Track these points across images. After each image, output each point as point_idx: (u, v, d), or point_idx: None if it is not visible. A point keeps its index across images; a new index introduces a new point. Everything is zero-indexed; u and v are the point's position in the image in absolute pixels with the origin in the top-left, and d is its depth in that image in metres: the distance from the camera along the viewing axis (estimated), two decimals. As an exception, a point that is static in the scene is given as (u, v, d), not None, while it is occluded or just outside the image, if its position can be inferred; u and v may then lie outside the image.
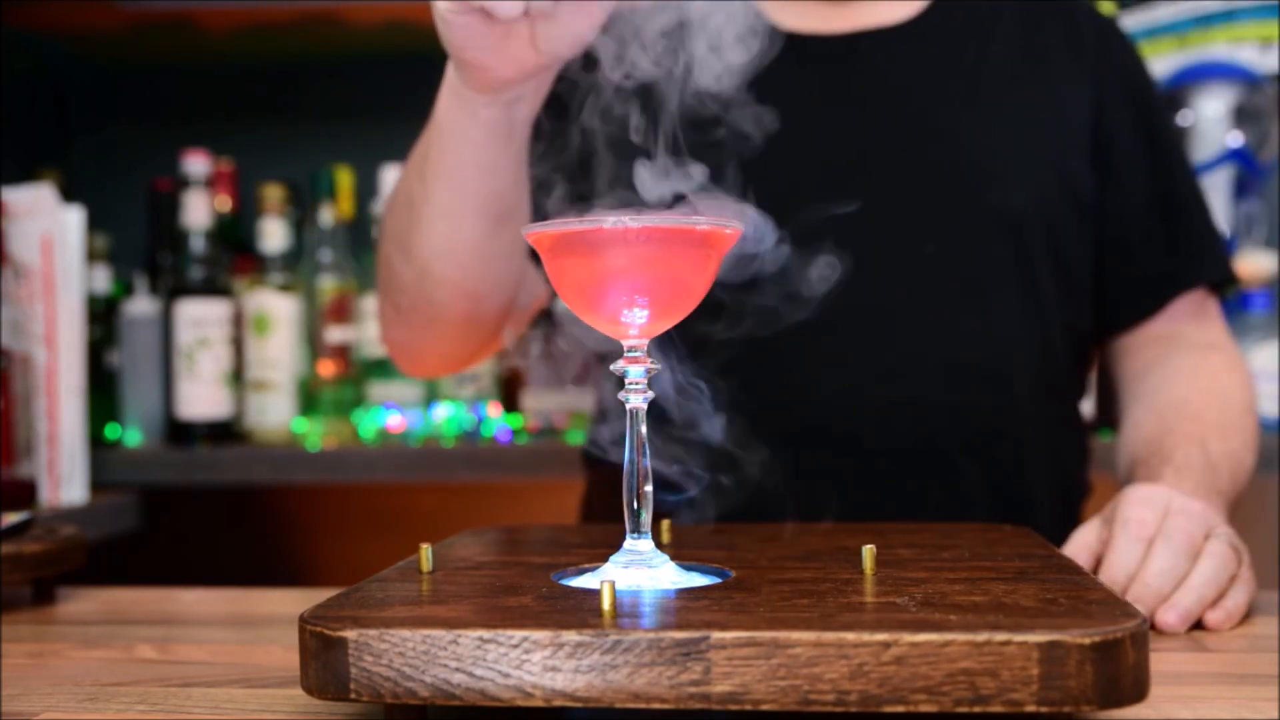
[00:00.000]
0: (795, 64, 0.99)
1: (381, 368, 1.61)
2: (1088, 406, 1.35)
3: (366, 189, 1.73)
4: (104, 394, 1.61)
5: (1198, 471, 0.86)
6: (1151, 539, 0.73)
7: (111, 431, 1.63)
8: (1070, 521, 0.97)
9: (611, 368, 0.60)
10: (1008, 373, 0.95)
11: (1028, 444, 0.96)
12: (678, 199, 0.68)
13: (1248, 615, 0.73)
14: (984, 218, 0.96)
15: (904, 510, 0.91)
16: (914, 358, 0.94)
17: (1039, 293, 0.97)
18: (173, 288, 1.57)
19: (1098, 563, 0.76)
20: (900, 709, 0.46)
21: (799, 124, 0.97)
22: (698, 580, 0.58)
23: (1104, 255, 1.00)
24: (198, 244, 1.55)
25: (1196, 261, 1.01)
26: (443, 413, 1.58)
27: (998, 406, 0.95)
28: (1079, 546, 0.78)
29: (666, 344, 0.67)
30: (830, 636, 0.47)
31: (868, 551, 0.59)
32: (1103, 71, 1.01)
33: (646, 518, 0.59)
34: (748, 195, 0.70)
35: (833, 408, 0.93)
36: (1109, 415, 1.29)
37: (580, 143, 0.77)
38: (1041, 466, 0.96)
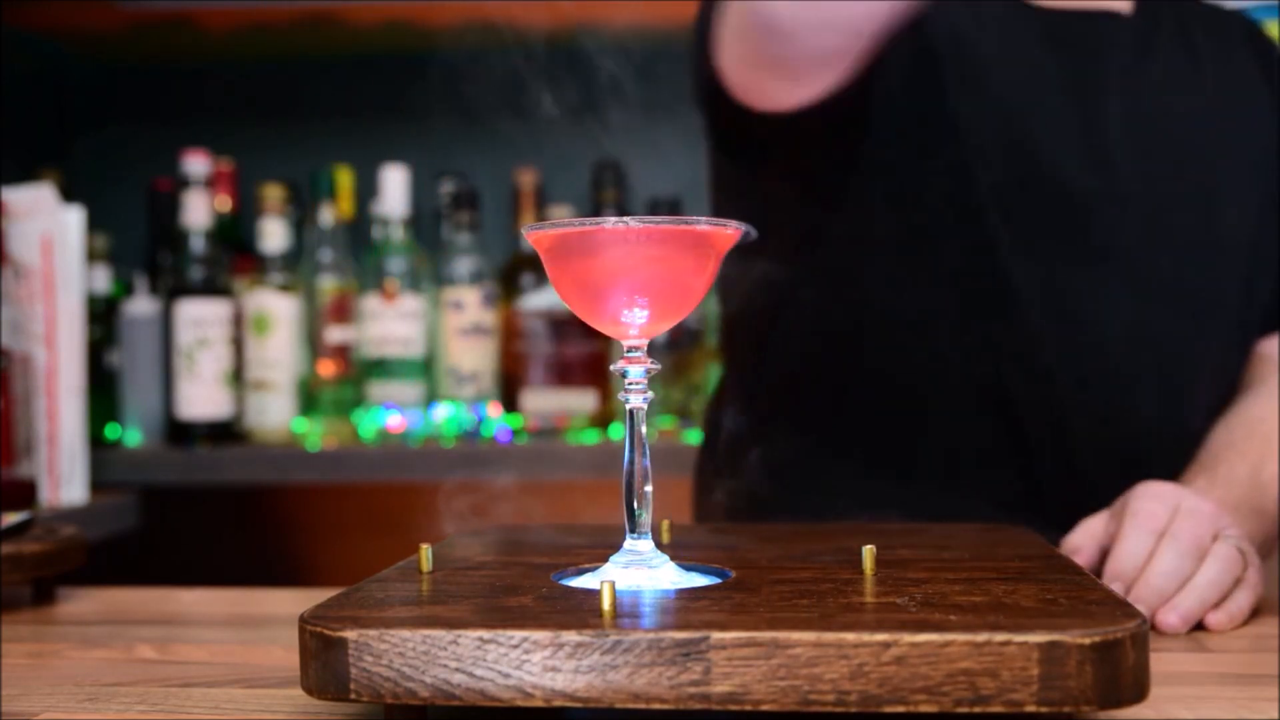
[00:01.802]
0: (1041, 38, 0.96)
1: (381, 367, 1.61)
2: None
3: (366, 189, 1.73)
4: (104, 394, 1.61)
5: (1237, 486, 0.85)
6: (1161, 533, 0.73)
7: (111, 431, 1.63)
8: None
9: (611, 368, 0.60)
10: (1194, 393, 0.94)
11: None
12: None
13: (1249, 616, 0.73)
14: (1213, 240, 0.95)
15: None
16: (1127, 372, 0.93)
17: (1244, 312, 0.96)
18: (173, 288, 1.57)
19: (1102, 554, 0.76)
20: (900, 709, 0.46)
21: (1042, 101, 0.95)
22: (698, 580, 0.58)
23: None
24: (198, 244, 1.55)
25: None
26: (443, 412, 1.59)
27: (1182, 425, 0.94)
28: (1085, 535, 0.78)
29: None
30: (830, 637, 0.47)
31: (868, 551, 0.59)
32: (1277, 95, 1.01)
33: (646, 518, 0.59)
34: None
35: (1034, 400, 0.92)
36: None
37: None
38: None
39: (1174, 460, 0.90)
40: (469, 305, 1.60)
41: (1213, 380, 0.96)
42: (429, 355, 1.63)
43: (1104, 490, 0.83)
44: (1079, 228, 0.93)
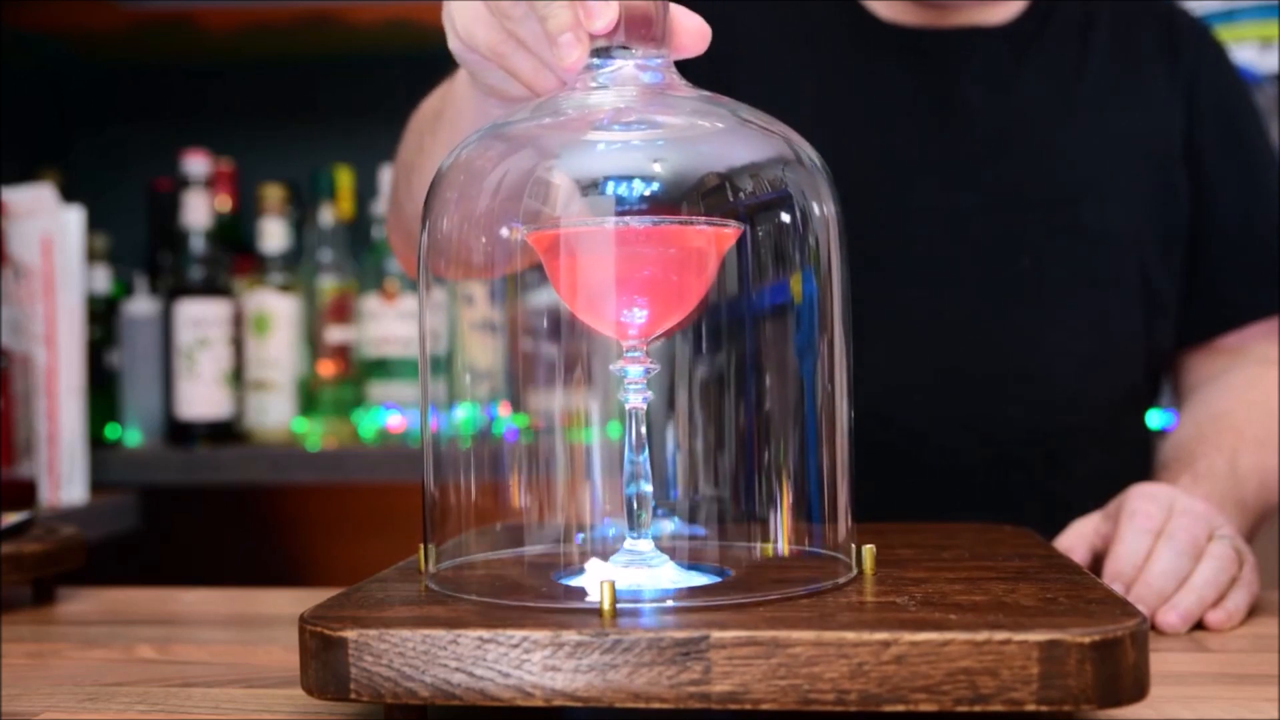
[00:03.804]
0: (893, 59, 0.98)
1: (381, 367, 1.61)
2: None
3: (366, 189, 1.73)
4: (104, 394, 1.61)
5: (1219, 481, 0.86)
6: (1158, 533, 0.73)
7: (111, 431, 1.63)
8: None
9: (611, 368, 0.60)
10: (1083, 389, 0.95)
11: (1092, 461, 0.96)
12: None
13: (1248, 615, 0.73)
14: (1079, 234, 0.95)
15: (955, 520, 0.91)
16: (990, 370, 0.94)
17: (1127, 313, 0.96)
18: (173, 288, 1.57)
19: (1094, 556, 0.77)
20: (900, 708, 0.46)
21: (895, 122, 0.97)
22: (698, 580, 0.58)
23: (1185, 272, 1.00)
24: (198, 244, 1.55)
25: (1277, 290, 1.00)
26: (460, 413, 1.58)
27: (1070, 424, 0.95)
28: (1076, 537, 0.78)
29: None
30: (830, 636, 0.47)
31: (868, 551, 0.59)
32: (1197, 80, 1.00)
33: (647, 518, 0.59)
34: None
35: (903, 414, 0.93)
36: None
37: None
38: (1104, 483, 0.95)
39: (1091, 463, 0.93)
40: (478, 301, 1.60)
41: (1116, 372, 0.97)
42: (447, 351, 1.63)
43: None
44: (939, 243, 0.95)
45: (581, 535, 0.64)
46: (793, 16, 1.01)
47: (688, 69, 0.62)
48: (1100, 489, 0.95)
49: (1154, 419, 1.06)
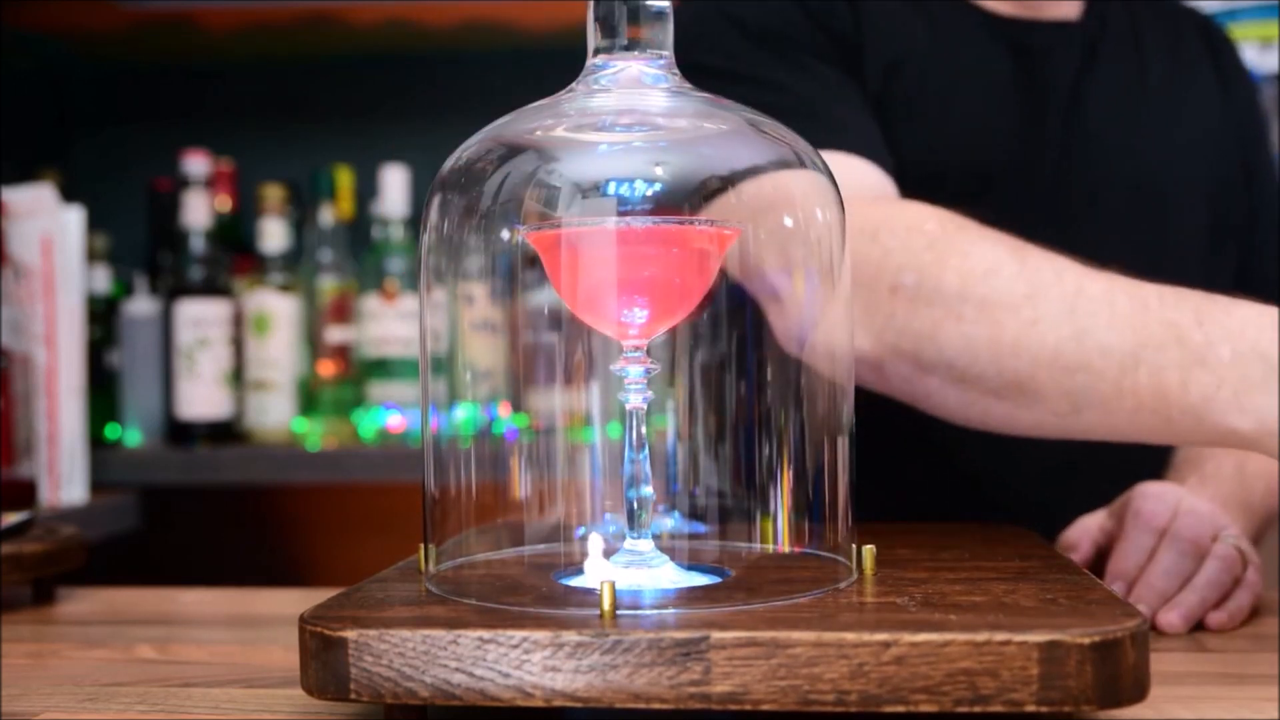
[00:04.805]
0: (996, 45, 0.95)
1: (381, 367, 1.61)
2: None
3: (366, 189, 1.73)
4: (104, 394, 1.61)
5: (1226, 482, 0.85)
6: (1162, 532, 0.73)
7: (111, 431, 1.63)
8: None
9: (612, 368, 0.60)
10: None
11: (1103, 460, 0.95)
12: None
13: (1249, 615, 0.73)
14: (1149, 237, 0.95)
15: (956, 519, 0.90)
16: None
17: None
18: (173, 288, 1.57)
19: (1098, 552, 0.77)
20: (900, 709, 0.46)
21: (992, 111, 0.94)
22: (698, 580, 0.58)
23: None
24: (198, 244, 1.55)
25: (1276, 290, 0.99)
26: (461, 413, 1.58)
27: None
28: (1080, 532, 0.78)
29: None
30: (830, 636, 0.47)
31: (868, 551, 0.59)
32: (1230, 82, 1.00)
33: (647, 518, 0.59)
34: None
35: (903, 411, 0.93)
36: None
37: None
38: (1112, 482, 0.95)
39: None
40: (478, 301, 1.60)
41: None
42: (448, 351, 1.63)
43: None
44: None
45: (582, 529, 0.64)
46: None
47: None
48: (1107, 487, 0.95)
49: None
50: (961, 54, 0.95)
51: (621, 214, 0.57)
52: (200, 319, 1.55)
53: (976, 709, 0.46)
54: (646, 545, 0.59)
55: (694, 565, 0.61)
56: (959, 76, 0.94)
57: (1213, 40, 1.02)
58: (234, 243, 1.71)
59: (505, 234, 0.61)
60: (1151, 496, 0.76)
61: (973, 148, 0.93)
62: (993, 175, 0.93)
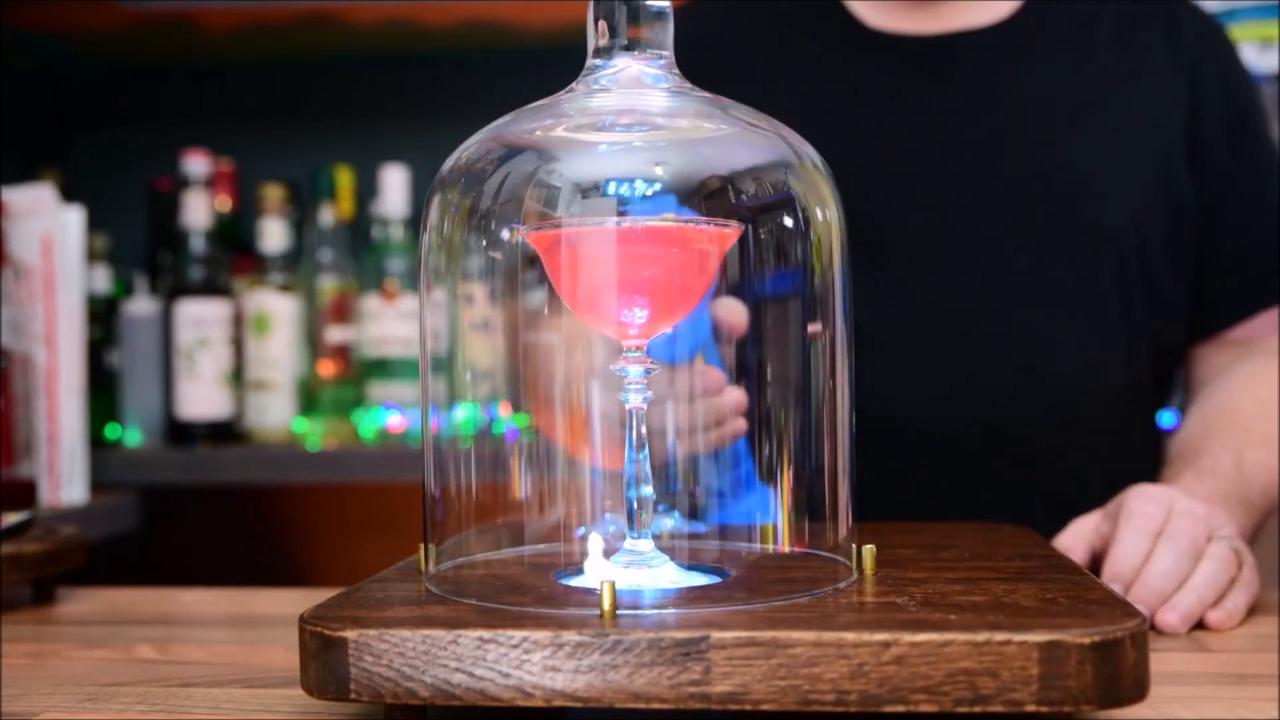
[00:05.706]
0: (883, 66, 0.99)
1: (381, 367, 1.61)
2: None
3: (366, 189, 1.73)
4: (104, 394, 1.61)
5: (1223, 479, 0.86)
6: (1157, 534, 0.73)
7: (111, 431, 1.63)
8: None
9: (612, 368, 0.60)
10: (1089, 388, 0.95)
11: (1099, 458, 0.96)
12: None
13: (1248, 615, 0.73)
14: (1079, 232, 0.95)
15: (963, 517, 0.90)
16: (994, 369, 0.94)
17: (1129, 310, 0.96)
18: (173, 288, 1.57)
19: (1093, 555, 0.77)
20: (900, 709, 0.46)
21: (889, 128, 0.97)
22: (698, 580, 0.58)
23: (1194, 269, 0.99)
24: (198, 244, 1.55)
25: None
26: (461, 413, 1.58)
27: (1072, 420, 0.95)
28: (1075, 536, 0.78)
29: None
30: (830, 636, 0.47)
31: (868, 551, 0.59)
32: (1201, 73, 0.99)
33: (647, 518, 0.59)
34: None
35: (907, 411, 0.93)
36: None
37: None
38: (1110, 481, 0.94)
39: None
40: (478, 301, 1.60)
41: (1119, 369, 0.97)
42: (448, 351, 1.63)
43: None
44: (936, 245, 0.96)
45: (582, 529, 0.64)
46: (781, 25, 1.02)
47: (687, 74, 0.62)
48: (1104, 487, 0.95)
49: (1163, 419, 1.05)
50: (853, 71, 0.98)
51: (621, 214, 0.57)
52: (200, 319, 1.55)
53: (976, 709, 0.46)
54: (646, 545, 0.59)
55: (694, 565, 0.61)
56: (850, 94, 0.98)
57: (1180, 33, 1.00)
58: (234, 243, 1.71)
59: (505, 234, 0.61)
60: (1145, 498, 0.76)
61: (874, 154, 0.96)
62: (915, 182, 0.96)
